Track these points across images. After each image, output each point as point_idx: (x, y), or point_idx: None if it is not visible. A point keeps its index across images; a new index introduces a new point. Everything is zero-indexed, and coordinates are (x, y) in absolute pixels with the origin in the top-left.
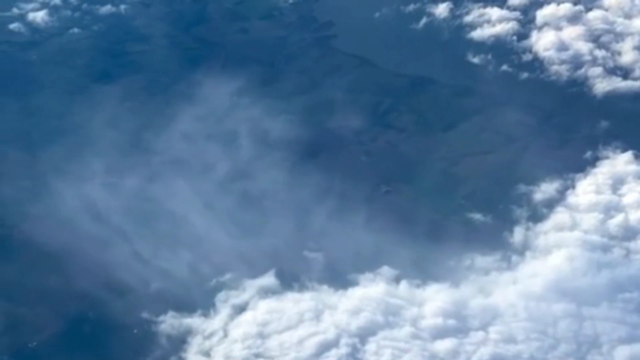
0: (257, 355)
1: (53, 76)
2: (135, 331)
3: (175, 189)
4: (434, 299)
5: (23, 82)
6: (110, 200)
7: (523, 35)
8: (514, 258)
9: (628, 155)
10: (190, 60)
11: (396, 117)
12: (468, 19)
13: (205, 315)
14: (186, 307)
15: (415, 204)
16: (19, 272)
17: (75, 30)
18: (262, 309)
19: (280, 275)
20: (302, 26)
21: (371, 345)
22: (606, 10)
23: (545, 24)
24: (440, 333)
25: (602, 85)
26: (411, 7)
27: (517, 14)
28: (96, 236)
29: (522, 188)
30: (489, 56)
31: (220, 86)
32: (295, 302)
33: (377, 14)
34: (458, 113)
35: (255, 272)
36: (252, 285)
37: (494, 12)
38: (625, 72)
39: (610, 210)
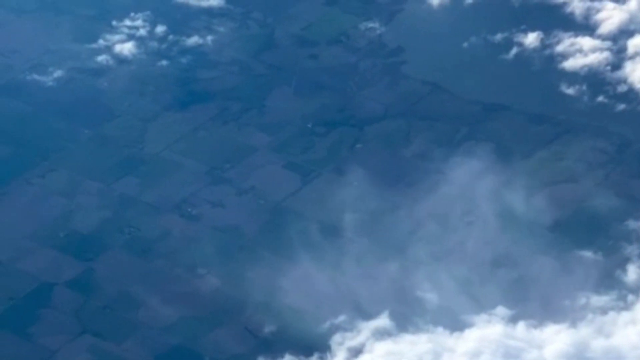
0: None
1: (124, 104)
2: None
3: None
4: (554, 341)
5: (94, 110)
6: (189, 229)
7: (616, 65)
8: (630, 297)
9: None
10: (262, 86)
11: (473, 145)
12: (559, 48)
13: (322, 358)
14: (302, 350)
15: (504, 236)
16: (103, 306)
17: (164, 62)
18: (380, 351)
19: (394, 317)
20: (372, 52)
21: None
22: None
23: (637, 54)
24: None
25: None
26: (499, 36)
27: (608, 43)
28: (190, 273)
29: (632, 224)
30: (584, 87)
31: (294, 113)
32: (412, 345)
33: (465, 44)
34: (537, 141)
35: (369, 313)
36: (367, 327)
37: (585, 42)
38: None
39: None
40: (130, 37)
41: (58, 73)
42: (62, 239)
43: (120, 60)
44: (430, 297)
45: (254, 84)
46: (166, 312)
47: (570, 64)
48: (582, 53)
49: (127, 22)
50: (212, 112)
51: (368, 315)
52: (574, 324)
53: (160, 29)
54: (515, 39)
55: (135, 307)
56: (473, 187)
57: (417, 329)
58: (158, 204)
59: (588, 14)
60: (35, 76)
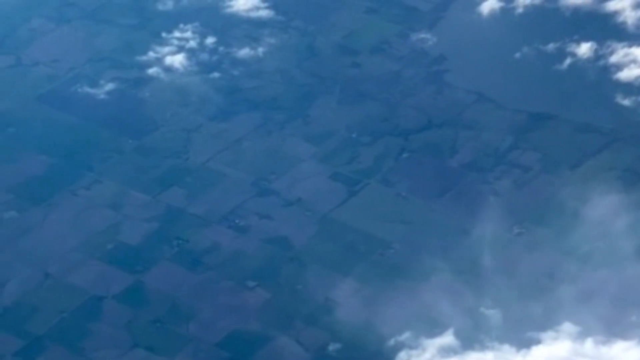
0: None
1: (167, 114)
2: None
3: None
4: (623, 358)
5: (138, 120)
6: (237, 240)
7: None
8: None
9: None
10: (305, 96)
11: (520, 154)
12: (613, 59)
13: None
14: None
15: (560, 249)
16: (154, 320)
17: (216, 74)
18: None
19: (459, 334)
20: (414, 60)
21: None
22: None
23: None
24: None
25: None
26: (551, 46)
27: None
28: (240, 286)
29: None
30: (639, 98)
31: (338, 123)
32: None
33: (517, 54)
34: (585, 151)
35: (434, 331)
36: (432, 344)
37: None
38: None
39: None
40: (181, 49)
41: (109, 86)
42: (110, 251)
43: (172, 72)
44: (494, 313)
45: (297, 93)
46: (217, 325)
47: (625, 75)
48: (637, 64)
49: (177, 34)
50: (256, 122)
51: (433, 333)
52: None
53: (210, 40)
54: (568, 49)
55: (185, 320)
56: (519, 197)
57: (483, 347)
58: (205, 215)
59: None
60: (87, 88)
